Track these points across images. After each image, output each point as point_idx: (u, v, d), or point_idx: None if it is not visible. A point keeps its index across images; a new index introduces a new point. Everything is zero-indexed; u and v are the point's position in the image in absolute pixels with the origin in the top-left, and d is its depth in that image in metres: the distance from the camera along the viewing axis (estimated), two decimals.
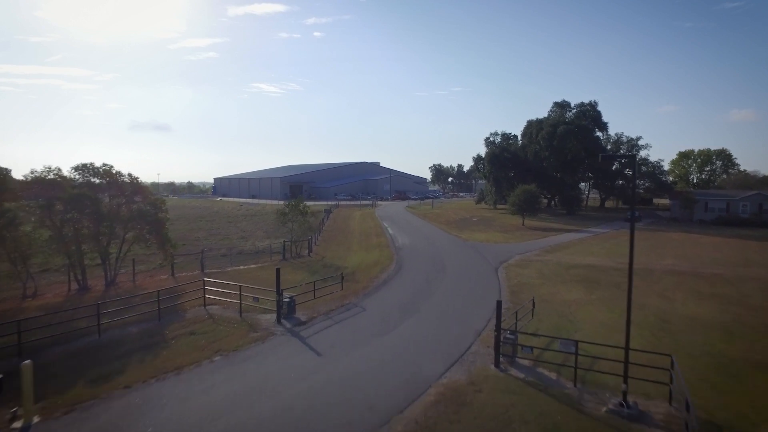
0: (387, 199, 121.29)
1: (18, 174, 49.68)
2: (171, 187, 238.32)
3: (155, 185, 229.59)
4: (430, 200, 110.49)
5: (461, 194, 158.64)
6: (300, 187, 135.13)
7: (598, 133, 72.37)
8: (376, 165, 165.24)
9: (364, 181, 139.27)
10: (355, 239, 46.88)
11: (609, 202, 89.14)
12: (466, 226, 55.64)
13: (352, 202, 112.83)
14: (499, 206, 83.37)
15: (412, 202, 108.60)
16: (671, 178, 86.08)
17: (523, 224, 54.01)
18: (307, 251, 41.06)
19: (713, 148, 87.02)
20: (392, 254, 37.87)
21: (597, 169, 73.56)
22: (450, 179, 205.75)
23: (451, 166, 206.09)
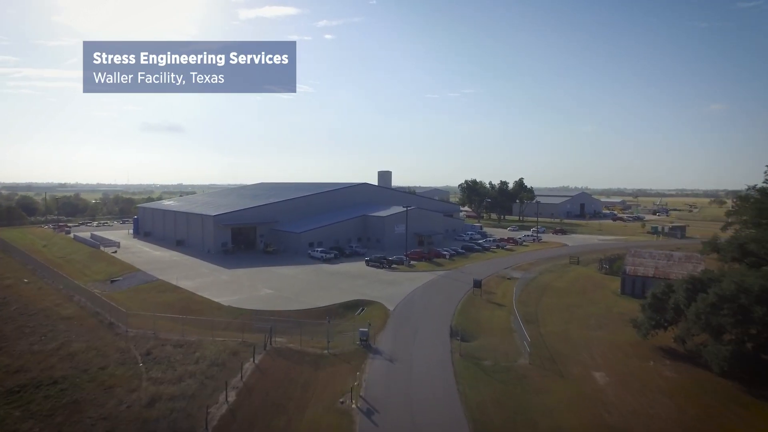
0: (400, 264, 64.76)
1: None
2: (125, 203, 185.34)
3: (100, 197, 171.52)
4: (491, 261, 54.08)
5: (520, 235, 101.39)
6: (252, 230, 79.67)
7: None
8: (384, 186, 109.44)
9: (363, 220, 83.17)
10: None
11: None
12: None
13: (333, 268, 57.10)
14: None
15: (450, 283, 52.28)
16: None
17: None
18: None
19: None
20: None
21: None
22: (487, 200, 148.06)
23: (491, 183, 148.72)
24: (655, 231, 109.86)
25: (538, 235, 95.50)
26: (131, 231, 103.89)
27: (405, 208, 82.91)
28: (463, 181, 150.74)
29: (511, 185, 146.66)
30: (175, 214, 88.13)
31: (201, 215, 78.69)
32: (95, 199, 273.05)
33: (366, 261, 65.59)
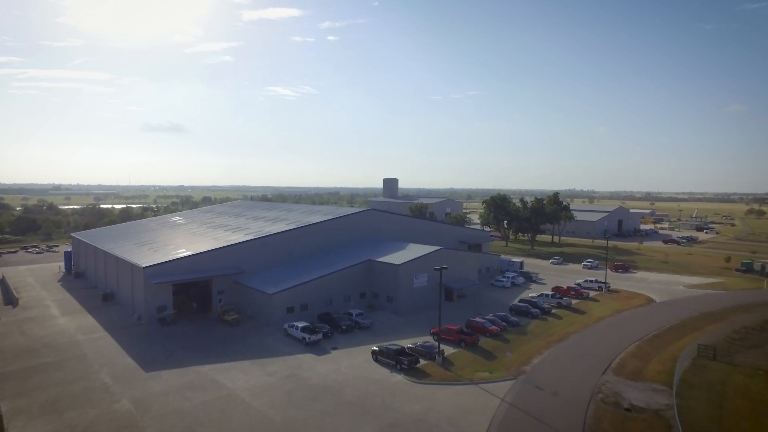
0: (429, 357, 39.74)
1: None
2: (94, 216, 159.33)
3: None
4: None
5: (580, 279, 75.96)
6: (207, 285, 54.99)
7: None
8: (389, 211, 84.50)
9: (368, 267, 58.08)
10: None
11: None
12: None
13: (320, 370, 31.85)
14: None
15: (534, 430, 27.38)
16: None
17: None
18: None
19: None
20: None
21: None
22: (509, 220, 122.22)
23: (522, 201, 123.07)
24: (748, 268, 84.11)
25: (607, 282, 69.93)
26: (63, 268, 79.26)
27: (425, 252, 58.30)
28: (489, 198, 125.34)
29: (545, 201, 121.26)
30: (105, 255, 63.35)
31: (130, 264, 53.74)
32: (81, 204, 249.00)
33: (373, 353, 40.46)
